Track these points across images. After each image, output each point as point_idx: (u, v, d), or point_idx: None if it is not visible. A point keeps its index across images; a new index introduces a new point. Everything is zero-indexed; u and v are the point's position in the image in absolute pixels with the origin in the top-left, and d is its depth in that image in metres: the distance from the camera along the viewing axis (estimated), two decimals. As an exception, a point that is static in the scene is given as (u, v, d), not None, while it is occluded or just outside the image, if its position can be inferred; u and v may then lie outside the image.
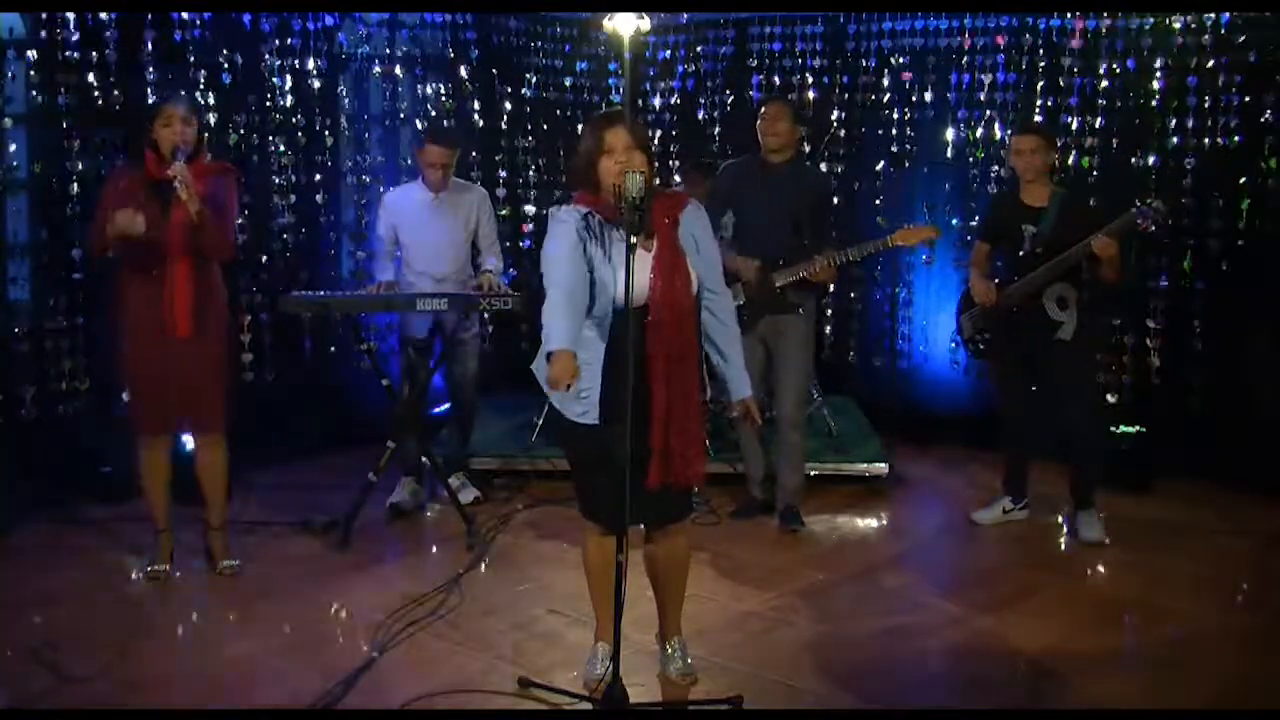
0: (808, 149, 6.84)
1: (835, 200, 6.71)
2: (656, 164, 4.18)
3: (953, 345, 6.76)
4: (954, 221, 6.71)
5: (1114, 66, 6.25)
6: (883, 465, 5.78)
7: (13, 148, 5.35)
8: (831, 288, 6.80)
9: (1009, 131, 6.49)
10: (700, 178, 6.13)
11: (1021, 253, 4.89)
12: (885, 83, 6.81)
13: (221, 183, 4.32)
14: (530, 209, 7.27)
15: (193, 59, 5.84)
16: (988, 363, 5.44)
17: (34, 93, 5.35)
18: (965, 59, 6.60)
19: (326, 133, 6.41)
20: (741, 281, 4.93)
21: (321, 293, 5.22)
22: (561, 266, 3.24)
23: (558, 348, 3.12)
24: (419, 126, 6.61)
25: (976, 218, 6.60)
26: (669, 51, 7.29)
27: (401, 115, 6.70)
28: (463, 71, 6.87)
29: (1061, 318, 4.84)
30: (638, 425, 3.11)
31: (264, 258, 6.20)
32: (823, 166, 6.88)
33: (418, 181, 5.25)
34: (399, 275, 5.24)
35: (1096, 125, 6.28)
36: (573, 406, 3.35)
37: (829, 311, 7.08)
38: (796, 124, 5.06)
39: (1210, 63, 6.00)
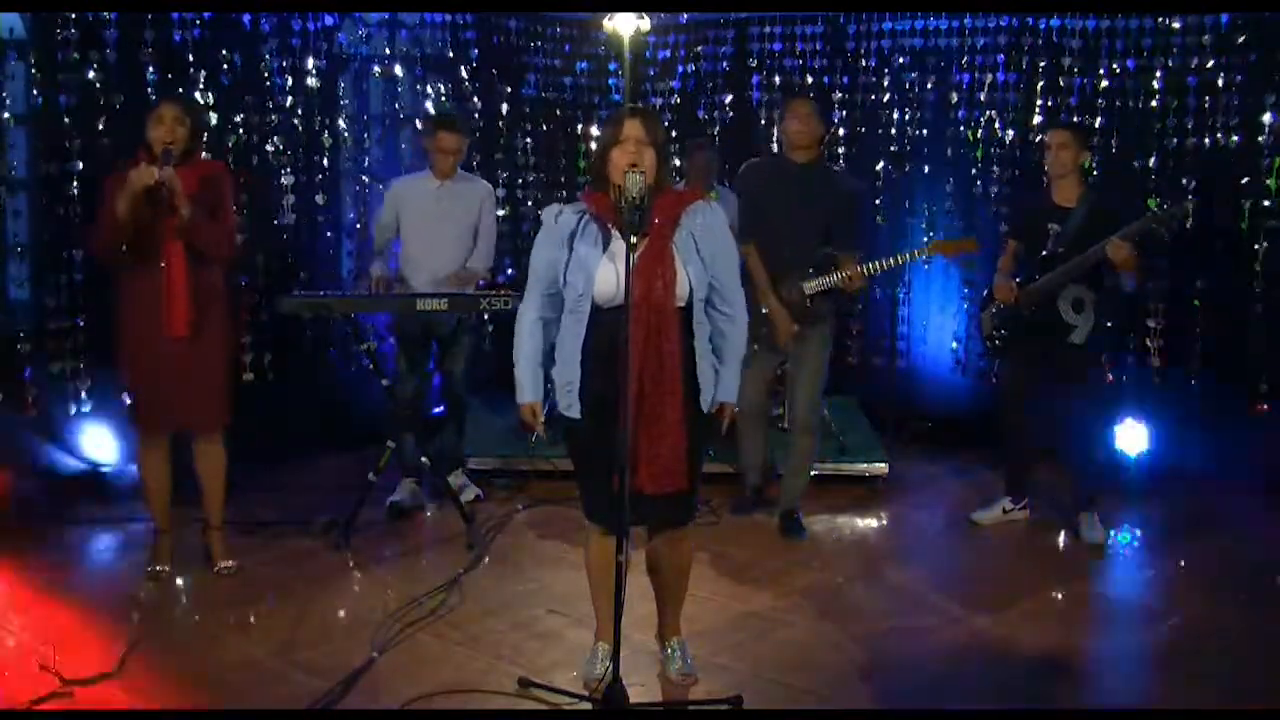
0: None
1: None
2: (672, 162, 4.15)
3: (954, 345, 6.77)
4: (955, 224, 6.71)
5: (1114, 66, 6.25)
6: (883, 465, 5.78)
7: (13, 147, 5.36)
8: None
9: (1010, 131, 6.52)
10: (702, 165, 6.09)
11: (1044, 252, 4.85)
12: (885, 83, 6.82)
13: (215, 182, 4.31)
14: (530, 208, 7.26)
15: (193, 59, 5.84)
16: (998, 361, 5.41)
17: (34, 93, 5.35)
18: (965, 59, 6.60)
19: (326, 133, 6.41)
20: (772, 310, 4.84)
21: (321, 293, 5.22)
22: (535, 271, 3.42)
23: (524, 402, 3.48)
24: (418, 126, 6.61)
25: (976, 219, 6.62)
26: (669, 51, 7.28)
27: (401, 115, 6.70)
28: (463, 71, 6.87)
29: (1075, 321, 4.82)
30: (619, 425, 3.11)
31: (264, 258, 6.20)
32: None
33: (425, 172, 5.27)
34: (393, 267, 5.27)
35: (1096, 125, 6.28)
36: (561, 399, 3.39)
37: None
38: (823, 121, 4.94)
39: (1210, 63, 6.00)
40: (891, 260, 4.98)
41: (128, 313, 4.27)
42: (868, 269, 4.86)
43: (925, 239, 6.71)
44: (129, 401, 4.40)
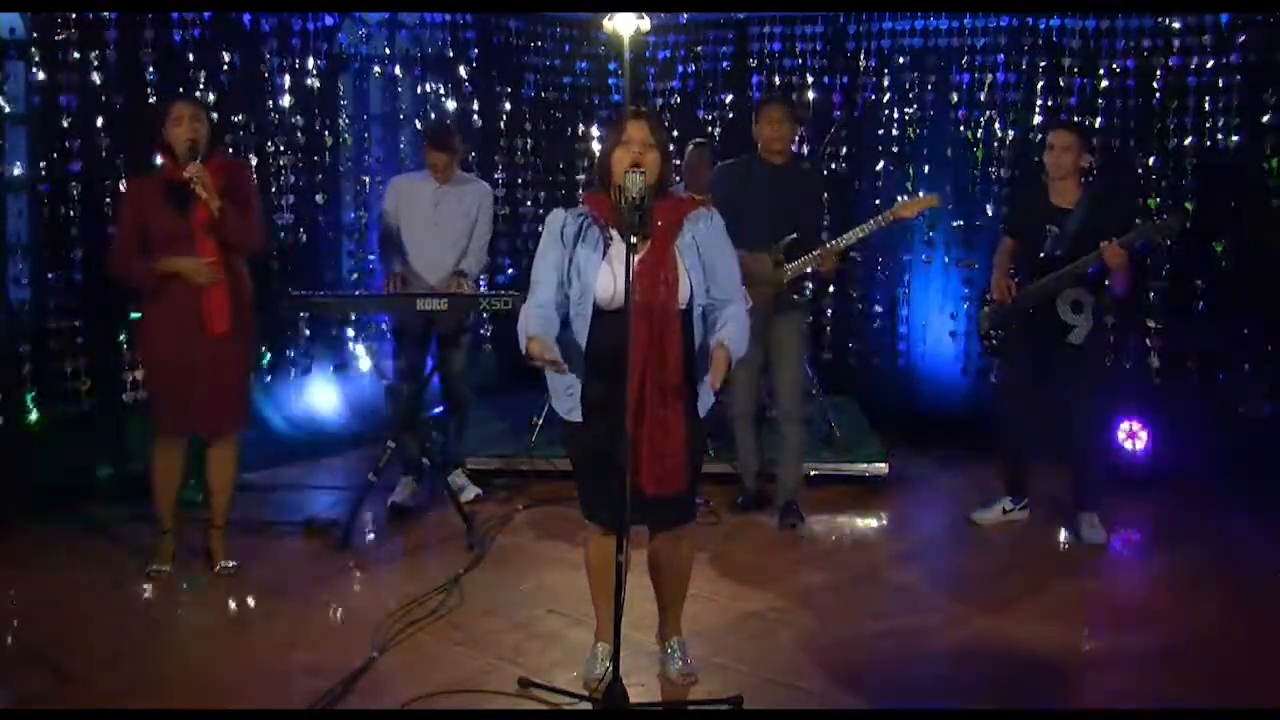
0: (806, 149, 6.85)
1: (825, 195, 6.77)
2: (674, 166, 4.14)
3: (954, 345, 6.77)
4: (955, 223, 6.72)
5: (1114, 66, 6.26)
6: (883, 465, 5.78)
7: (12, 148, 5.36)
8: (832, 288, 6.82)
9: (1011, 131, 6.52)
10: (701, 157, 6.11)
11: (1042, 253, 4.84)
12: (885, 83, 6.82)
13: (236, 176, 4.31)
14: (530, 209, 7.27)
15: (193, 59, 5.84)
16: (997, 360, 5.40)
17: (34, 93, 5.35)
18: (965, 59, 6.60)
19: (326, 133, 6.42)
20: (748, 276, 4.88)
21: (321, 293, 5.22)
22: (540, 273, 3.36)
23: (529, 336, 3.18)
24: (418, 126, 6.62)
25: (975, 219, 6.62)
26: (669, 51, 7.29)
27: (401, 115, 6.70)
28: (463, 71, 6.88)
29: (1075, 321, 4.81)
30: (619, 427, 3.10)
31: (264, 258, 6.19)
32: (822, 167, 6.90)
33: (424, 172, 5.29)
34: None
35: (1097, 125, 6.29)
36: (562, 404, 3.37)
37: (829, 311, 7.09)
38: (796, 123, 5.02)
39: (1210, 63, 6.01)
40: (859, 231, 4.90)
41: (157, 313, 4.25)
42: (836, 244, 4.89)
43: (927, 237, 6.72)
44: (150, 401, 4.38)
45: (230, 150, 5.90)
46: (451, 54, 6.82)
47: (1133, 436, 5.83)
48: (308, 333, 6.41)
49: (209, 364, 4.22)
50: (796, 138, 5.13)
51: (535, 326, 3.21)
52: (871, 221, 4.97)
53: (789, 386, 5.06)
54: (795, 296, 4.98)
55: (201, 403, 4.29)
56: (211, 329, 4.17)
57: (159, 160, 4.21)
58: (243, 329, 4.30)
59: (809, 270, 4.91)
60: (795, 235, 4.90)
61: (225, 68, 5.96)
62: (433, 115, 6.71)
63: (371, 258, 6.50)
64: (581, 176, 7.34)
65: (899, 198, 5.22)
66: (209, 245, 4.15)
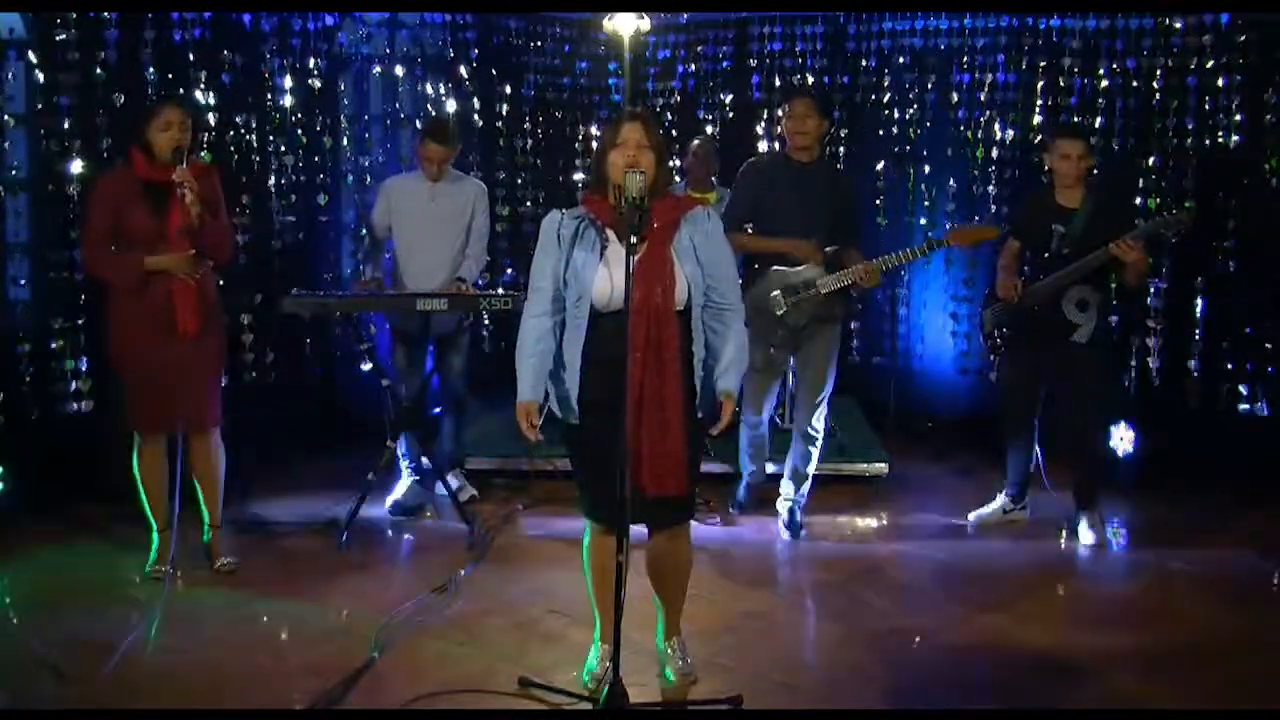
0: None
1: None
2: (672, 165, 4.14)
3: (954, 345, 6.77)
4: (957, 223, 6.71)
5: (1114, 66, 6.26)
6: (883, 465, 5.78)
7: (12, 147, 5.36)
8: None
9: (1011, 131, 6.52)
10: (703, 155, 6.11)
11: (1048, 253, 4.84)
12: (885, 83, 6.82)
13: (210, 181, 4.33)
14: (530, 209, 7.27)
15: (193, 59, 5.84)
16: (999, 359, 5.39)
17: (34, 93, 5.35)
18: (965, 59, 6.60)
19: (326, 133, 6.41)
20: (788, 286, 4.82)
21: (321, 293, 5.22)
22: (537, 277, 3.39)
23: (522, 399, 3.39)
24: (419, 126, 6.62)
25: (977, 217, 6.62)
26: (669, 51, 7.29)
27: (402, 115, 6.70)
28: (463, 71, 6.88)
29: (1079, 320, 4.81)
30: (618, 428, 3.10)
31: (264, 258, 6.20)
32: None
33: (417, 172, 5.28)
34: (388, 267, 5.30)
35: (1097, 125, 6.29)
36: (562, 405, 3.39)
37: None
38: (824, 118, 4.87)
39: (1210, 63, 6.01)
40: (909, 253, 4.92)
41: (130, 314, 4.26)
42: (883, 263, 4.82)
43: (946, 229, 6.72)
44: (129, 403, 4.40)
45: (204, 152, 5.89)
46: (451, 54, 6.82)
47: (1136, 435, 5.84)
48: (308, 332, 6.40)
49: (182, 363, 4.24)
50: (825, 133, 4.93)
51: (529, 369, 3.37)
52: (926, 244, 4.97)
53: (812, 399, 4.97)
54: (834, 313, 4.87)
55: (180, 401, 4.30)
56: (183, 330, 4.19)
57: (134, 158, 4.19)
58: (211, 329, 4.33)
59: (849, 283, 4.79)
60: (835, 246, 4.81)
61: (225, 68, 5.96)
62: (432, 113, 6.70)
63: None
64: (581, 176, 7.34)
65: (960, 224, 5.14)
66: (184, 245, 4.17)
